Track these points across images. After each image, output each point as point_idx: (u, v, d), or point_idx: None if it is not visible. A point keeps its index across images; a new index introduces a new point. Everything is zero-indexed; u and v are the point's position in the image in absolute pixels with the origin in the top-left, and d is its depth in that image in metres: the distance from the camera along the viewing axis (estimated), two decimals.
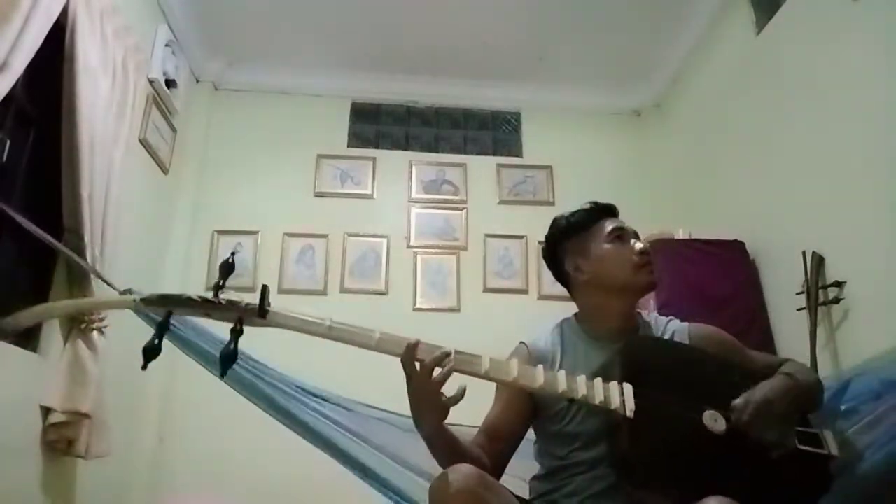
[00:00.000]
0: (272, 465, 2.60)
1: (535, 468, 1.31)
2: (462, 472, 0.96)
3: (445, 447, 1.10)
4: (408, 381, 1.04)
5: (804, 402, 1.15)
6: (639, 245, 1.29)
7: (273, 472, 2.64)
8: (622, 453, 1.06)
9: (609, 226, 1.33)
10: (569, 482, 1.17)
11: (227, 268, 1.05)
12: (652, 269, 1.28)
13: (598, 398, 1.04)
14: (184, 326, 1.75)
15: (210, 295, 1.01)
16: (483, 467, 1.08)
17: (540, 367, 1.08)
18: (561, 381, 1.05)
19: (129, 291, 1.83)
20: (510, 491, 1.08)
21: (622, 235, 1.31)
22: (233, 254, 1.05)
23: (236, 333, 1.00)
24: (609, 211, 1.38)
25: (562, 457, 1.20)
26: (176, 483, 2.74)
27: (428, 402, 1.04)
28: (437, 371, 1.01)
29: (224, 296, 1.01)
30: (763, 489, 1.02)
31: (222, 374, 1.00)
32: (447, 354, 1.02)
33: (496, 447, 1.21)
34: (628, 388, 1.06)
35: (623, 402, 1.05)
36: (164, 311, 1.01)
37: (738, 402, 1.08)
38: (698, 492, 0.92)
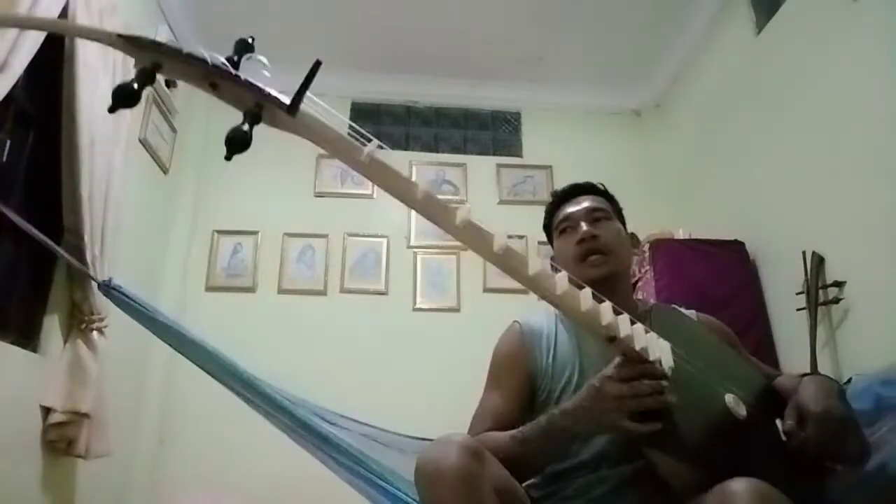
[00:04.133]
0: (271, 465, 2.60)
1: None
2: (454, 441, 0.89)
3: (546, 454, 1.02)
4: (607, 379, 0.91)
5: (845, 395, 1.03)
6: (579, 232, 1.16)
7: (272, 473, 2.64)
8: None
9: (559, 216, 1.24)
10: (569, 485, 1.11)
11: (245, 45, 0.80)
12: (596, 259, 1.15)
13: (640, 344, 0.89)
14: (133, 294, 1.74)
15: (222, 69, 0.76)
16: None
17: (588, 290, 0.88)
18: (606, 314, 0.88)
19: (107, 282, 1.84)
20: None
21: (567, 227, 1.20)
22: (252, 38, 0.80)
23: (252, 116, 0.77)
24: (569, 195, 1.26)
25: (561, 457, 1.13)
26: (176, 483, 2.74)
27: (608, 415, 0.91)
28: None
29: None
30: (778, 478, 0.93)
31: (228, 156, 0.76)
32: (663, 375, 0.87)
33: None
34: (666, 345, 0.93)
35: (661, 358, 0.91)
36: (150, 61, 0.75)
37: (789, 423, 0.97)
38: (721, 472, 0.85)
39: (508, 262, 0.85)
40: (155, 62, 0.75)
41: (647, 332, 0.91)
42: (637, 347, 0.88)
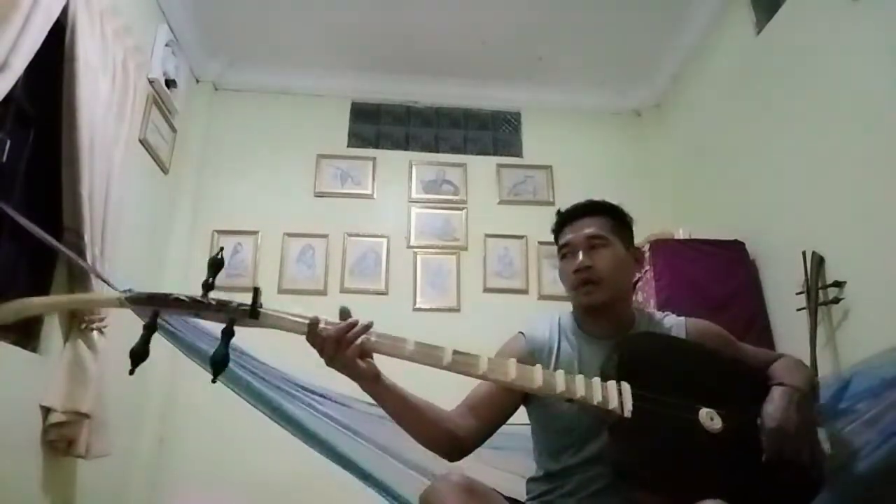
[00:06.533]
0: (272, 465, 2.60)
1: (534, 467, 1.30)
2: (451, 481, 0.98)
3: (398, 410, 1.12)
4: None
5: (809, 402, 1.12)
6: (576, 262, 1.24)
7: (273, 473, 2.64)
8: (618, 455, 1.05)
9: (560, 241, 1.31)
10: (567, 482, 1.17)
11: (217, 264, 0.98)
12: (588, 289, 1.22)
13: (597, 398, 1.03)
14: (178, 323, 1.72)
15: (199, 294, 0.96)
16: (454, 437, 1.14)
17: (538, 366, 1.06)
18: (559, 381, 1.04)
19: (129, 291, 1.82)
20: (501, 494, 1.08)
21: (567, 253, 1.28)
22: (221, 249, 1.01)
23: (227, 335, 0.96)
24: (572, 216, 1.31)
25: (559, 453, 1.20)
26: (176, 483, 2.74)
27: (348, 373, 1.02)
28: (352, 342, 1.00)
29: (213, 295, 0.97)
30: (757, 488, 1.03)
31: (213, 379, 0.95)
32: (351, 326, 1.00)
33: (476, 419, 1.18)
34: (626, 388, 1.05)
35: (621, 402, 1.04)
36: (151, 312, 0.96)
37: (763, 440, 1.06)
38: (694, 493, 0.92)
39: (465, 370, 1.03)
40: (154, 312, 0.96)
41: (605, 383, 1.05)
42: (595, 402, 1.03)
